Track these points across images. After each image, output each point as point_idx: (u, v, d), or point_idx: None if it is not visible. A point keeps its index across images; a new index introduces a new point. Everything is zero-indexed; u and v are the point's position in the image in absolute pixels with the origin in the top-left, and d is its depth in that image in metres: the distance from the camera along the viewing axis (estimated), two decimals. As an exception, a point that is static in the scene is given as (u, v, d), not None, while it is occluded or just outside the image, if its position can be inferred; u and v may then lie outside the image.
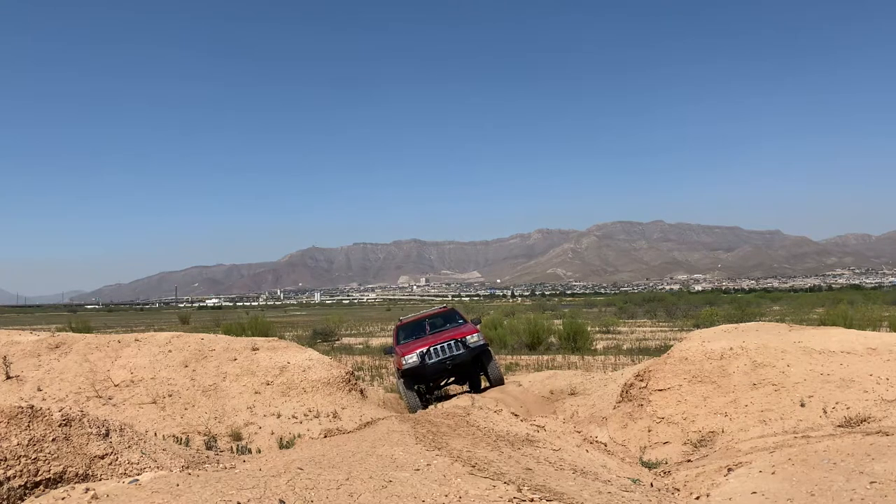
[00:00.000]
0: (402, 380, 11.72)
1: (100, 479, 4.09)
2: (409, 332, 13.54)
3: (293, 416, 9.00)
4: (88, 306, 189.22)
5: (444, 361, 11.69)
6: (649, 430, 7.81)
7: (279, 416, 8.99)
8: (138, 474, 4.03)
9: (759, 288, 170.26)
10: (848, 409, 6.68)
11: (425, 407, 11.04)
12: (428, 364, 11.61)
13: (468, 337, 12.06)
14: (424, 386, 12.67)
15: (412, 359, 11.63)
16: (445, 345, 11.81)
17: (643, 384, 8.54)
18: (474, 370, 12.79)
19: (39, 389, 9.08)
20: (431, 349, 11.72)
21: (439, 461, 4.13)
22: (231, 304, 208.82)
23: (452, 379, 13.25)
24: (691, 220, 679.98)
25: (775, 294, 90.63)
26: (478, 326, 13.21)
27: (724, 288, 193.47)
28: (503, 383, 12.40)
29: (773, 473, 4.55)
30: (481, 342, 12.23)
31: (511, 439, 5.19)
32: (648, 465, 6.38)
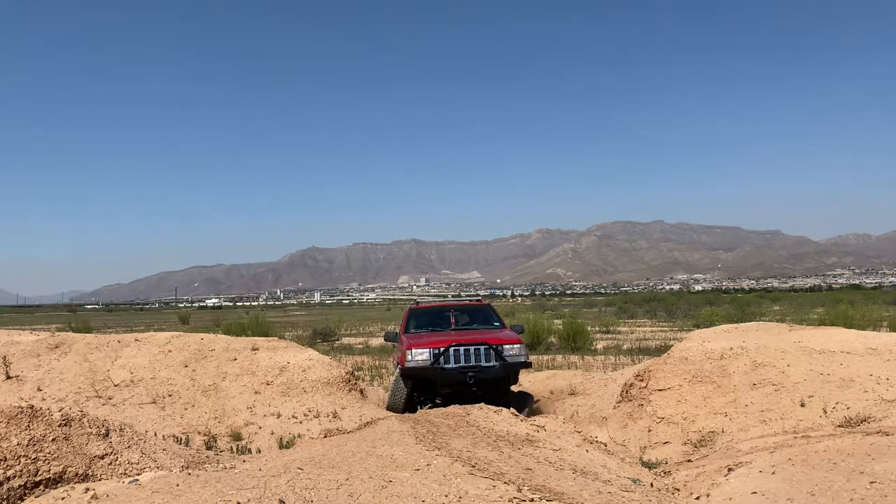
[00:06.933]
0: (400, 379, 9.07)
1: (100, 479, 4.09)
2: (425, 321, 10.45)
3: (293, 416, 8.99)
4: (88, 306, 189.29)
5: (466, 372, 8.57)
6: (649, 430, 7.80)
7: (279, 416, 8.98)
8: (138, 474, 4.02)
9: (759, 288, 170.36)
10: (848, 409, 6.68)
11: (413, 411, 8.17)
12: (443, 369, 8.60)
13: (506, 346, 8.86)
14: (427, 398, 9.15)
15: (422, 356, 8.68)
16: (472, 349, 8.70)
17: (643, 384, 8.53)
18: (503, 395, 9.17)
19: (39, 389, 9.08)
20: (451, 350, 8.63)
21: (439, 461, 4.12)
22: (231, 304, 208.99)
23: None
24: (691, 220, 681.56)
25: (775, 294, 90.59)
26: (521, 335, 9.96)
27: (724, 288, 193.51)
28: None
29: (773, 473, 4.55)
30: (522, 356, 8.99)
31: (511, 439, 5.19)
32: (648, 465, 6.38)
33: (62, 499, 3.38)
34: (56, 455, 4.06)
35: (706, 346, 8.54)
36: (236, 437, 8.34)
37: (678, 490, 4.87)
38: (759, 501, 4.15)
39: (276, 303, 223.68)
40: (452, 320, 10.47)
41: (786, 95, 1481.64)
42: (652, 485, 4.83)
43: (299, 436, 8.26)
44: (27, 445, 3.98)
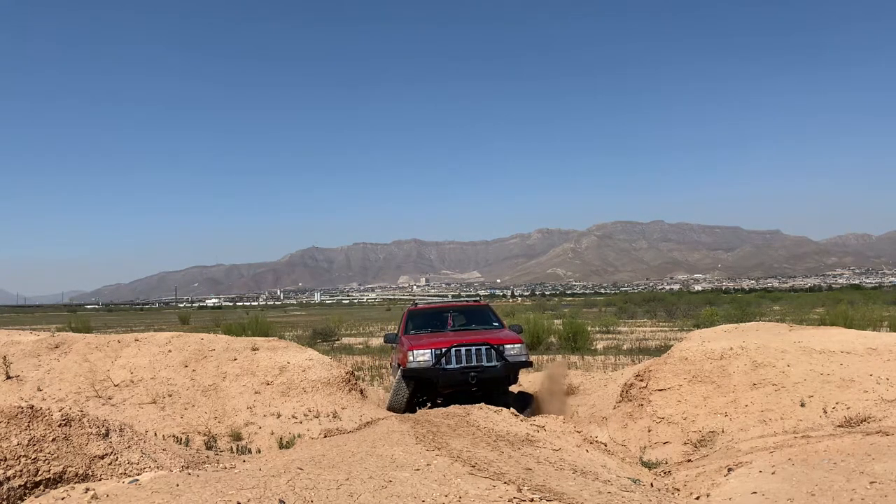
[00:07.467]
0: (402, 380, 9.06)
1: (100, 479, 4.09)
2: (424, 322, 10.58)
3: (293, 416, 8.99)
4: (88, 306, 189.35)
5: (468, 372, 8.62)
6: (649, 430, 7.81)
7: (279, 416, 8.98)
8: (138, 474, 4.03)
9: (759, 288, 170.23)
10: (848, 409, 6.68)
11: (413, 411, 8.31)
12: (444, 369, 8.64)
13: (507, 346, 8.96)
14: (428, 398, 9.28)
15: (424, 357, 8.74)
16: (473, 349, 8.77)
17: (643, 384, 8.53)
18: (503, 395, 9.34)
19: (39, 389, 9.08)
20: (453, 350, 8.71)
21: (439, 461, 4.13)
22: (231, 304, 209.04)
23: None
24: (691, 220, 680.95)
25: (775, 294, 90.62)
26: (520, 335, 10.01)
27: (724, 288, 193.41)
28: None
29: (773, 473, 4.55)
30: (523, 356, 9.08)
31: (511, 439, 5.19)
32: (648, 465, 6.38)
33: (62, 499, 3.39)
34: (56, 455, 4.06)
35: (706, 346, 8.55)
36: (236, 437, 8.34)
37: (678, 490, 4.87)
38: (759, 501, 4.16)
39: (276, 303, 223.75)
40: (451, 321, 10.52)
41: (785, 95, 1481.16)
42: (652, 485, 4.83)
43: (299, 436, 8.27)
44: (27, 445, 3.98)
